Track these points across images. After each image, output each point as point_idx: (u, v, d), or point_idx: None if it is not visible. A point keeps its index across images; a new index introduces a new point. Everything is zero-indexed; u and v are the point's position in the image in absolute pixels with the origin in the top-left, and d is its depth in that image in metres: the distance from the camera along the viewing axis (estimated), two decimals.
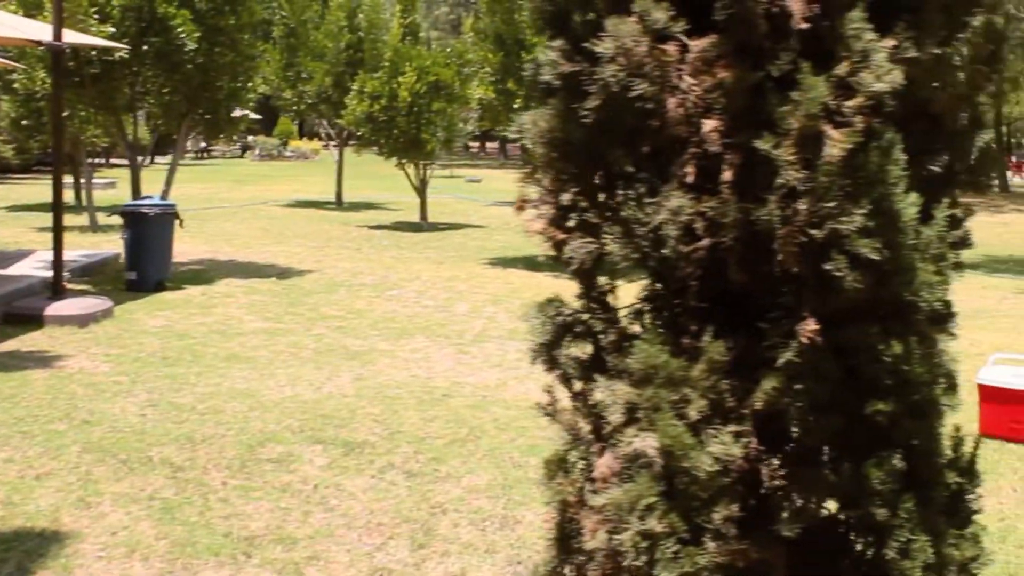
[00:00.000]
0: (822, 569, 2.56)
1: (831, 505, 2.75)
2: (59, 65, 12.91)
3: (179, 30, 15.82)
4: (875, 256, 2.33)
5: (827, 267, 2.35)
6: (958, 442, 2.71)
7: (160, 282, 15.20)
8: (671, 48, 2.46)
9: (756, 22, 2.40)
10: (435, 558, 6.02)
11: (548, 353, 2.81)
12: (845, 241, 2.34)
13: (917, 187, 2.58)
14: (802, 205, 2.36)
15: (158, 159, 45.52)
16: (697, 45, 2.44)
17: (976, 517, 2.76)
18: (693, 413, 2.44)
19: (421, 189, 27.16)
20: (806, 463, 2.49)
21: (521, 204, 2.89)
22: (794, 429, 2.49)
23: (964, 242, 2.79)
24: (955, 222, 2.77)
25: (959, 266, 2.72)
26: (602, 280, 2.92)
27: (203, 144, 53.13)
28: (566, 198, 2.71)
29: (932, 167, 2.65)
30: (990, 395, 8.97)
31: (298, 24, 31.04)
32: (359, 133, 26.76)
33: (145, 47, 16.10)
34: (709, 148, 2.43)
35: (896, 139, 2.38)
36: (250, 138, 58.66)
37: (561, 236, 2.72)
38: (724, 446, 2.40)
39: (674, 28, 2.45)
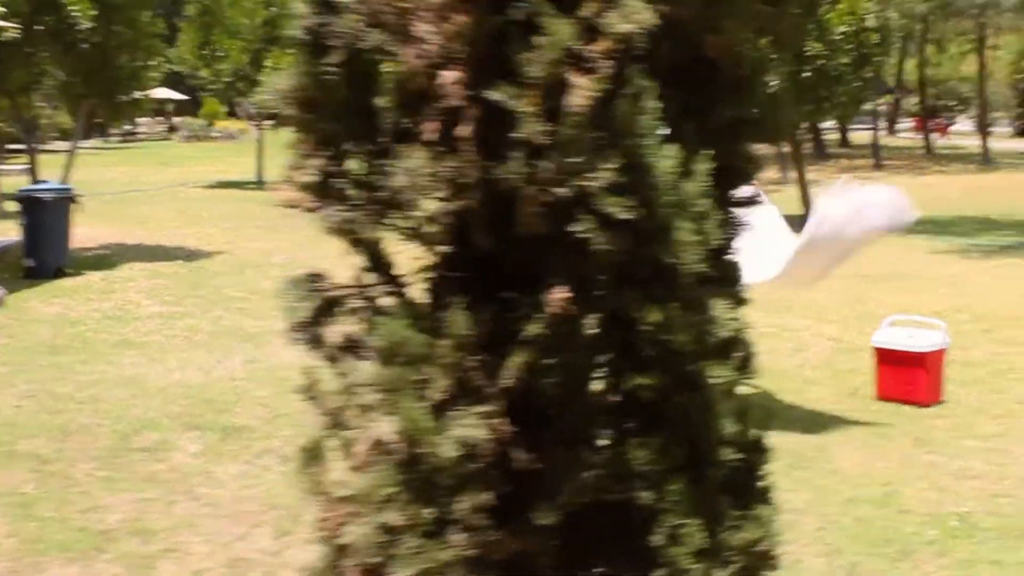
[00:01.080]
0: (593, 557, 2.36)
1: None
2: None
3: (73, 8, 15.31)
4: (627, 215, 2.13)
5: (574, 229, 2.14)
6: (743, 416, 2.51)
7: (59, 268, 14.74)
8: None
9: None
10: (298, 545, 5.78)
11: (309, 332, 2.58)
12: (593, 199, 2.13)
13: (694, 138, 2.38)
14: (546, 161, 2.14)
15: (83, 144, 44.55)
16: None
17: (770, 495, 2.58)
18: (436, 394, 2.23)
19: None
20: (568, 444, 2.29)
21: (287, 172, 2.65)
22: (552, 407, 2.28)
23: (752, 200, 2.60)
24: (741, 177, 2.57)
25: (734, 225, 2.53)
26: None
27: (127, 126, 52.14)
28: (317, 162, 2.47)
29: (710, 116, 2.45)
30: (885, 357, 8.90)
31: (212, 1, 30.37)
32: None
33: (38, 27, 15.57)
34: (451, 102, 2.21)
35: (649, 86, 2.17)
36: (176, 119, 57.69)
37: (312, 204, 2.49)
38: (469, 429, 2.19)
39: None
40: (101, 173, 32.04)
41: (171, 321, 11.83)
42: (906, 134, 54.62)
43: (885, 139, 47.40)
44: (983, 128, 39.94)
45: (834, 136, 47.07)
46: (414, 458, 2.21)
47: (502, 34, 2.21)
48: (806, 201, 20.49)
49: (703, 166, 2.23)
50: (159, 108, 53.43)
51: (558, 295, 2.17)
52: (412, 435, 2.20)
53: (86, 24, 15.52)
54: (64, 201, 14.92)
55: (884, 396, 8.86)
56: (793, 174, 21.23)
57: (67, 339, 10.92)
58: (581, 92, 2.10)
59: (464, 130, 2.18)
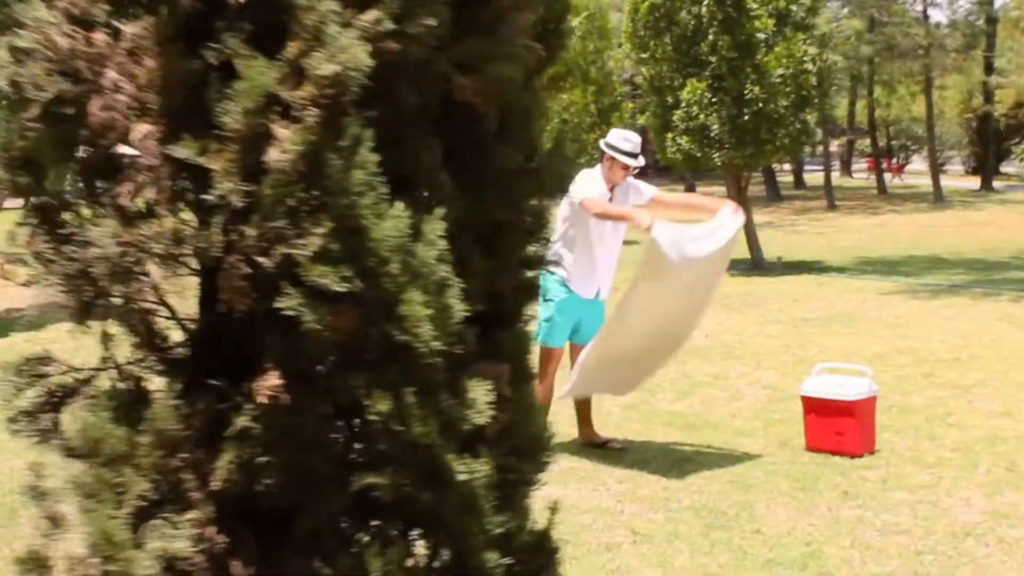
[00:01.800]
0: None
1: None
2: None
3: None
4: (342, 287, 1.82)
5: (280, 304, 1.83)
6: (520, 512, 2.16)
7: None
8: (100, 37, 1.92)
9: None
10: None
11: (36, 422, 2.24)
12: (301, 270, 1.82)
13: (453, 193, 2.08)
14: (249, 227, 1.83)
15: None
16: (129, 31, 1.91)
17: None
18: (134, 499, 1.90)
19: None
20: (301, 552, 1.96)
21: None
22: (281, 511, 1.95)
23: (537, 260, 2.29)
24: (523, 234, 2.26)
25: (528, 292, 2.22)
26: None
27: None
28: (24, 231, 2.15)
29: (475, 168, 2.15)
30: (813, 407, 8.55)
31: None
32: None
33: None
34: (145, 160, 1.90)
35: (364, 135, 1.86)
36: None
37: (23, 279, 2.16)
38: (168, 541, 1.86)
39: (94, 11, 1.91)
40: None
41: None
42: (861, 175, 54.73)
43: (840, 180, 47.50)
44: (934, 167, 40.02)
45: (789, 178, 47.20)
46: None
47: (202, 82, 1.90)
48: (752, 244, 20.29)
49: (436, 226, 1.92)
50: None
51: (268, 382, 1.85)
52: (104, 549, 1.87)
53: None
54: None
55: (814, 447, 8.50)
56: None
57: None
58: (283, 145, 1.79)
59: (154, 192, 1.87)
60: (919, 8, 40.90)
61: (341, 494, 1.94)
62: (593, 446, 8.27)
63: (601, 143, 7.83)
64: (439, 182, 2.03)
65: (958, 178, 50.75)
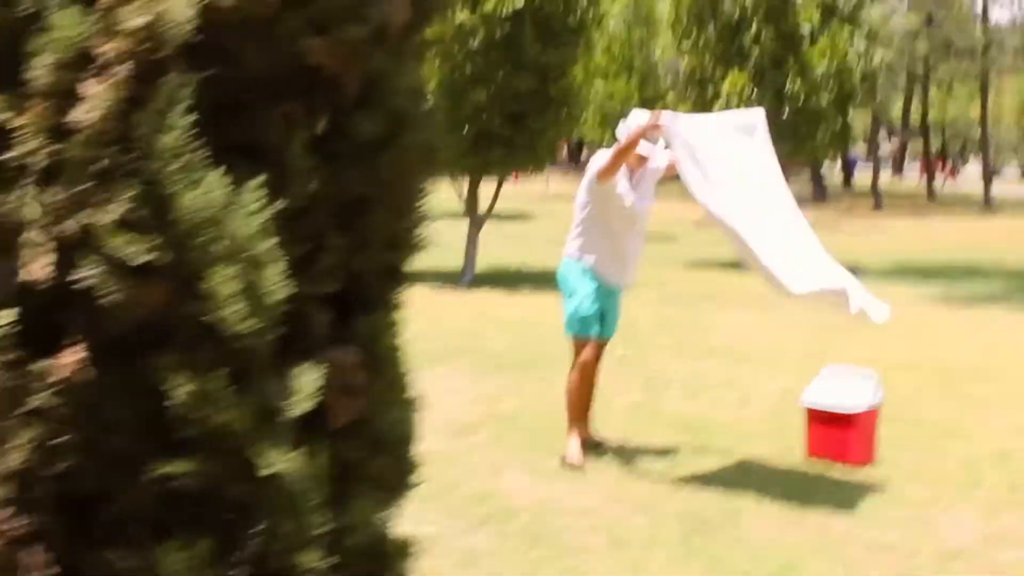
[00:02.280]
0: None
1: None
2: None
3: None
4: (145, 259, 1.68)
5: (80, 275, 1.70)
6: (357, 509, 2.00)
7: None
8: None
9: None
10: None
11: None
12: (100, 239, 1.69)
13: (302, 163, 1.93)
14: (52, 191, 1.70)
15: None
16: None
17: None
18: None
19: None
20: (105, 543, 1.83)
21: None
22: (93, 498, 1.83)
23: (405, 241, 2.13)
24: (395, 211, 2.10)
25: (394, 275, 2.05)
26: None
27: None
28: None
29: (331, 137, 2.00)
30: (814, 416, 8.29)
31: None
32: None
33: None
34: None
35: (180, 96, 1.72)
36: None
37: None
38: None
39: None
40: None
41: None
42: (914, 176, 53.72)
43: (891, 182, 46.68)
44: (986, 172, 39.11)
45: (840, 178, 46.55)
46: None
47: (17, 34, 1.78)
48: None
49: (255, 196, 1.77)
50: None
51: (68, 357, 1.73)
52: None
53: None
54: None
55: (815, 454, 8.24)
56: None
57: None
58: (90, 103, 1.67)
59: None
60: (979, 7, 39.98)
61: (149, 481, 1.81)
62: (588, 445, 8.01)
63: (620, 125, 7.45)
64: (289, 152, 1.89)
65: (1015, 183, 49.68)
